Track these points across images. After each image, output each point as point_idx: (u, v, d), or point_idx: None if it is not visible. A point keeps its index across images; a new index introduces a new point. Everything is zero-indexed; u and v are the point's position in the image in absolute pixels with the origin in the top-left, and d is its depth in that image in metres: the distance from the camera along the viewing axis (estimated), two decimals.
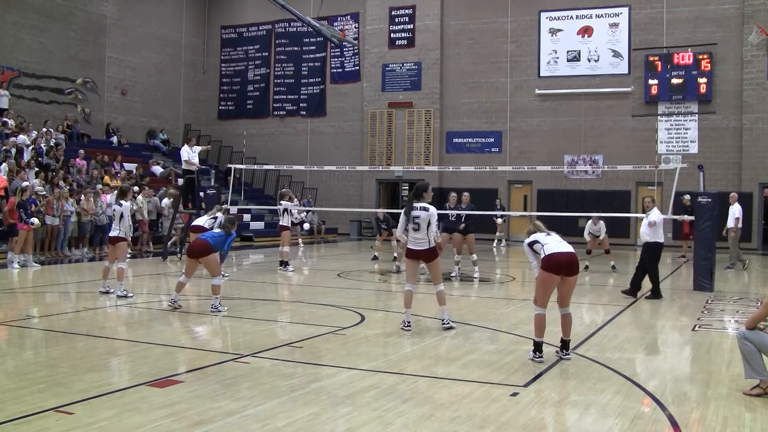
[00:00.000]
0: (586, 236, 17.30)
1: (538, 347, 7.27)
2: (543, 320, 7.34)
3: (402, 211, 8.95)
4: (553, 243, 7.34)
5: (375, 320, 9.69)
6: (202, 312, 10.10)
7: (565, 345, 7.51)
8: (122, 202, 11.58)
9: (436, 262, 8.72)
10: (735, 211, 17.75)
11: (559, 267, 7.21)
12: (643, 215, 12.74)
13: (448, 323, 8.81)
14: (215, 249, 10.16)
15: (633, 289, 12.32)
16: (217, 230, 10.76)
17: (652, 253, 12.29)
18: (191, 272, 10.32)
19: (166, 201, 21.02)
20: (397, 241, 17.38)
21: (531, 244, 7.49)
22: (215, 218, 14.16)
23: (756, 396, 5.99)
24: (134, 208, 19.43)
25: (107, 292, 11.54)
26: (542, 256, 7.29)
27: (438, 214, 9.01)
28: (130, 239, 11.71)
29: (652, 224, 12.20)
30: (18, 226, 15.64)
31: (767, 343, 6.00)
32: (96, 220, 18.87)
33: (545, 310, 7.37)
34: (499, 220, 25.29)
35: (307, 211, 28.40)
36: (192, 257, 10.16)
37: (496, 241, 25.61)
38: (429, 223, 8.58)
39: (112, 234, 11.65)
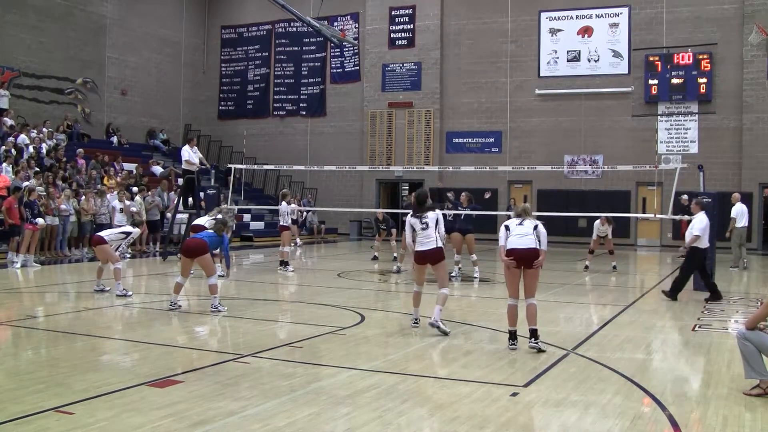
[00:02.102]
0: (594, 236, 17.23)
1: (510, 335, 7.83)
2: (513, 310, 7.86)
3: (407, 216, 9.03)
4: (515, 237, 7.88)
5: (375, 320, 9.68)
6: (202, 312, 10.09)
7: (532, 333, 7.78)
8: (137, 229, 12.14)
9: (442, 264, 8.67)
10: (736, 210, 17.67)
11: (518, 259, 7.78)
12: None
13: (436, 323, 8.40)
14: (211, 248, 10.20)
15: (673, 293, 11.99)
16: (211, 231, 10.77)
17: (696, 257, 11.92)
18: (187, 272, 10.34)
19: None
20: (397, 241, 17.41)
21: (506, 227, 8.05)
22: (216, 219, 14.22)
23: (756, 396, 5.98)
24: (135, 208, 19.47)
25: (102, 290, 11.57)
26: (504, 248, 7.92)
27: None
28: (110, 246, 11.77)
29: (697, 234, 11.81)
30: (24, 226, 15.66)
31: (767, 343, 6.00)
32: (97, 218, 18.83)
33: (516, 301, 7.87)
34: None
35: (307, 211, 28.40)
36: (188, 256, 10.17)
37: None
38: (437, 222, 8.65)
39: (99, 233, 11.88)
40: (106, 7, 28.91)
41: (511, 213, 14.83)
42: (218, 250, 11.08)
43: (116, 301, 10.91)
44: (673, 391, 6.28)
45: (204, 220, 14.21)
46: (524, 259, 7.78)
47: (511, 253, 7.81)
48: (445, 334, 8.40)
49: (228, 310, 10.00)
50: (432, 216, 8.68)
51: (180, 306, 10.17)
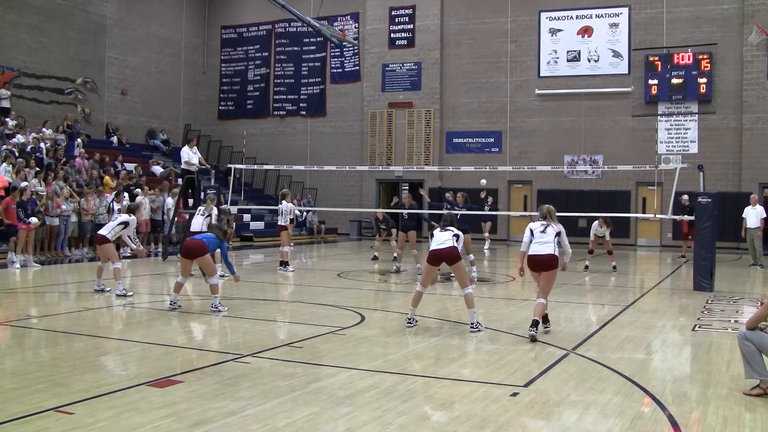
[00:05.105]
0: (592, 237, 17.24)
1: (533, 323, 8.34)
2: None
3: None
4: (536, 244, 8.55)
5: (375, 320, 9.68)
6: (203, 312, 10.09)
7: (534, 323, 8.33)
8: (133, 216, 11.98)
9: (459, 264, 8.81)
10: (760, 211, 18.51)
11: (535, 265, 8.57)
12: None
13: (477, 327, 8.70)
14: (210, 249, 10.18)
15: None
16: (210, 233, 10.64)
17: None
18: (187, 272, 10.34)
19: (170, 200, 20.93)
20: (396, 240, 17.40)
21: (530, 231, 8.70)
22: (209, 216, 14.34)
23: (756, 396, 5.98)
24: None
25: (102, 290, 11.57)
26: (526, 253, 8.66)
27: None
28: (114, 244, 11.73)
29: None
30: (18, 226, 15.65)
31: (767, 343, 6.00)
32: (96, 218, 18.82)
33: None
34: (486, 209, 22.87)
35: (307, 211, 28.41)
36: (187, 257, 10.17)
37: (487, 241, 23.90)
38: (457, 237, 8.92)
39: (101, 232, 11.81)
40: (106, 7, 28.90)
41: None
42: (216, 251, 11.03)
43: (116, 301, 10.91)
44: (673, 391, 6.28)
45: (199, 223, 14.32)
46: (541, 265, 8.48)
47: (532, 258, 8.54)
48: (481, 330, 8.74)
49: (228, 310, 10.00)
50: (455, 230, 9.02)
51: (180, 306, 10.16)
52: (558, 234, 8.56)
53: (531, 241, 8.60)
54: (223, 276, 13.56)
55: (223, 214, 16.71)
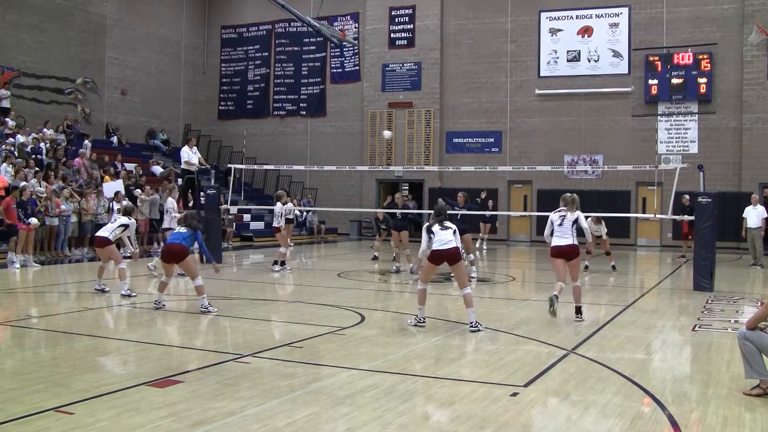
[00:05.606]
0: (588, 236, 17.22)
1: (576, 310, 9.63)
2: (560, 287, 9.38)
3: (425, 227, 9.06)
4: (557, 237, 9.53)
5: (375, 320, 9.68)
6: (202, 312, 10.08)
7: (577, 310, 9.55)
8: (131, 218, 11.96)
9: (460, 264, 8.85)
10: (761, 211, 18.63)
11: (560, 254, 9.53)
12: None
13: (476, 327, 8.69)
14: (189, 245, 10.17)
15: None
16: (183, 230, 10.39)
17: None
18: (170, 272, 10.38)
19: (170, 200, 20.89)
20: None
21: (551, 221, 9.70)
22: (173, 209, 14.69)
23: (756, 396, 5.98)
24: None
25: (102, 291, 11.57)
26: (550, 244, 9.64)
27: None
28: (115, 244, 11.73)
29: None
30: (18, 226, 15.65)
31: (767, 343, 6.00)
32: (96, 218, 18.81)
33: (562, 283, 9.44)
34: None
35: (307, 211, 28.40)
36: (168, 261, 10.17)
37: (485, 242, 23.50)
38: (455, 232, 8.92)
39: (100, 233, 11.79)
40: (106, 7, 28.91)
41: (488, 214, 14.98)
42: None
43: (116, 301, 10.92)
44: (673, 391, 6.28)
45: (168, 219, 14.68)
46: (565, 254, 9.48)
47: (556, 249, 9.53)
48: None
49: (228, 310, 10.00)
50: (452, 225, 9.04)
51: (164, 305, 10.19)
52: (575, 221, 9.53)
53: (553, 232, 9.58)
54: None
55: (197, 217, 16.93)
